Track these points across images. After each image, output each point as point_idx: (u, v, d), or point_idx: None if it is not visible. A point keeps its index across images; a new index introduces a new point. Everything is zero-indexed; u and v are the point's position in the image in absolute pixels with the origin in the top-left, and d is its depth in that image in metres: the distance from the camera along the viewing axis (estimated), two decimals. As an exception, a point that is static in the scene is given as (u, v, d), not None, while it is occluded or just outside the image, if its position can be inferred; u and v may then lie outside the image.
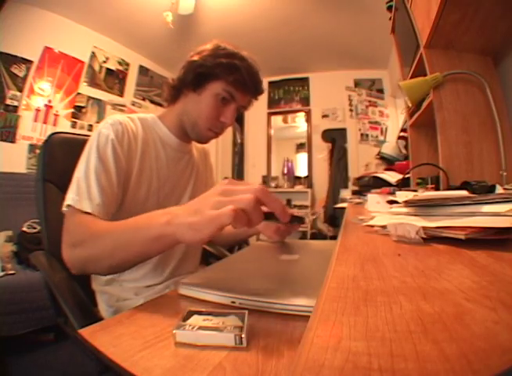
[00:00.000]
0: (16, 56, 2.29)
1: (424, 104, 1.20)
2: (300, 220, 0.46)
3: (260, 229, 0.82)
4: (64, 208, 0.55)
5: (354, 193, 1.79)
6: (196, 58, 0.67)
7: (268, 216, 0.39)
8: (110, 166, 0.60)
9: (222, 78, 0.66)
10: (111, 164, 0.60)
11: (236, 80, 0.66)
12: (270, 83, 4.05)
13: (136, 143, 0.67)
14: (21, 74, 2.33)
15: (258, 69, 0.70)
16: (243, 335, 0.30)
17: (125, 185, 0.64)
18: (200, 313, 0.35)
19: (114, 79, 3.10)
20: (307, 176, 3.92)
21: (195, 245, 0.42)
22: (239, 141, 4.31)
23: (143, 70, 3.43)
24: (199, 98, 0.68)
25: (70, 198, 0.55)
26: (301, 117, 4.15)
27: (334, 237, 0.68)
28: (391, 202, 0.68)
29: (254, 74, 0.68)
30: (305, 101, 3.98)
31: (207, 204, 0.37)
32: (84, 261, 0.50)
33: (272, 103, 4.08)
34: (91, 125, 2.83)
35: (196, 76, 0.67)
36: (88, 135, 0.68)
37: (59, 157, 0.76)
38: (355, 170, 3.51)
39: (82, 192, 0.55)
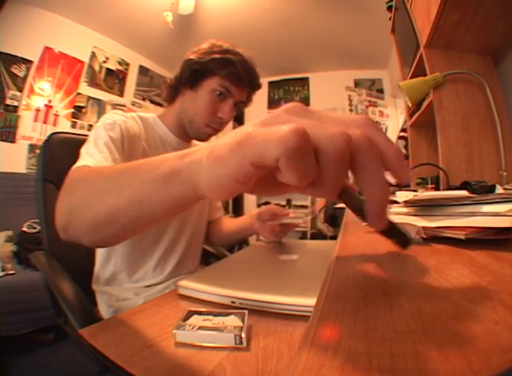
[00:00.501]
0: (16, 56, 2.29)
1: (424, 104, 1.20)
2: (402, 241, 0.28)
3: (256, 229, 0.82)
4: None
5: (354, 193, 1.79)
6: (191, 56, 0.68)
7: (355, 201, 0.22)
8: (118, 145, 0.58)
9: (217, 74, 0.66)
10: (119, 143, 0.58)
11: (230, 73, 0.66)
12: (270, 83, 4.04)
13: (139, 142, 0.66)
14: (21, 74, 2.33)
15: (254, 64, 0.70)
16: (243, 335, 0.30)
17: None
18: (200, 313, 0.35)
19: (114, 79, 3.10)
20: (307, 176, 3.91)
21: (212, 193, 0.22)
22: (239, 141, 4.30)
23: (143, 70, 3.43)
24: (196, 95, 0.68)
25: (77, 163, 0.49)
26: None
27: (334, 237, 0.68)
28: (391, 202, 0.68)
29: (248, 67, 0.68)
30: (305, 101, 3.98)
31: (248, 126, 0.21)
32: (68, 212, 0.38)
33: (272, 103, 4.08)
34: (91, 125, 2.82)
35: (191, 73, 0.67)
36: (88, 135, 0.68)
37: (59, 157, 0.76)
38: (355, 170, 3.51)
39: (90, 153, 0.52)
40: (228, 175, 0.20)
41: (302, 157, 0.16)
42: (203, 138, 0.74)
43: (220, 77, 0.66)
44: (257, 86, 0.73)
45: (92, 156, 0.51)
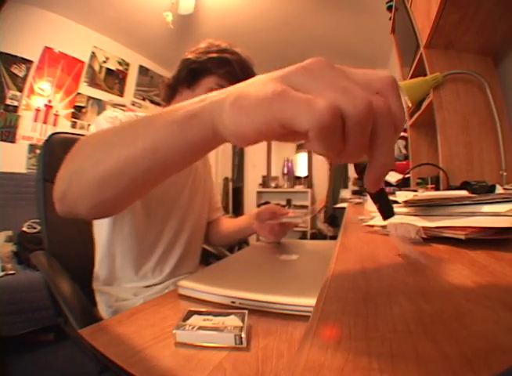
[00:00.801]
0: (16, 56, 2.29)
1: (424, 104, 1.20)
2: (384, 208, 0.31)
3: (255, 228, 0.82)
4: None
5: (354, 193, 1.79)
6: (189, 56, 0.69)
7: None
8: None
9: (214, 73, 0.67)
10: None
11: (227, 73, 0.66)
12: (270, 83, 4.04)
13: None
14: (21, 74, 2.33)
15: (251, 63, 0.70)
16: (243, 335, 0.30)
17: None
18: (200, 313, 0.35)
19: (114, 79, 3.10)
20: (307, 176, 3.92)
21: (234, 140, 0.22)
22: (239, 141, 4.31)
23: (143, 70, 3.43)
24: (193, 94, 0.68)
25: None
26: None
27: (334, 237, 0.68)
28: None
29: (245, 66, 0.68)
30: (305, 101, 3.98)
31: (282, 79, 0.20)
32: (69, 176, 0.34)
33: (272, 103, 4.08)
34: (91, 125, 2.83)
35: (189, 72, 0.68)
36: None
37: (59, 157, 0.74)
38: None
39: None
40: (254, 127, 0.20)
41: (332, 134, 0.17)
42: None
43: (217, 76, 0.67)
44: None
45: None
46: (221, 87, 0.68)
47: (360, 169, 0.24)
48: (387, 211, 0.30)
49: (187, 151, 0.25)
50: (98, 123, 0.61)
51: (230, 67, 0.66)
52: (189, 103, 0.25)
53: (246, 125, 0.20)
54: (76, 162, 0.34)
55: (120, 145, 0.28)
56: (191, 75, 0.68)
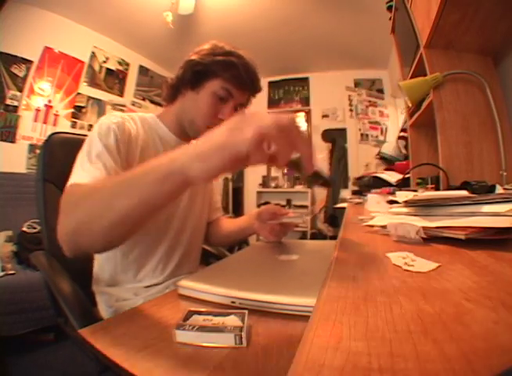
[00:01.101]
0: (16, 56, 2.29)
1: (424, 104, 1.20)
2: (325, 181, 0.43)
3: (255, 229, 0.82)
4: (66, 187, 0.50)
5: (354, 193, 1.79)
6: (193, 57, 0.68)
7: (295, 162, 0.34)
8: (114, 152, 0.58)
9: (219, 76, 0.66)
10: (114, 151, 0.59)
11: (232, 76, 0.66)
12: (270, 83, 4.04)
13: (137, 142, 0.67)
14: (21, 74, 2.33)
15: (256, 67, 0.70)
16: (243, 335, 0.30)
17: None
18: (200, 313, 0.35)
19: (114, 79, 3.10)
20: (307, 176, 3.91)
21: (203, 181, 0.33)
22: (239, 141, 4.31)
23: (143, 70, 3.43)
24: (197, 96, 0.68)
25: (72, 178, 0.51)
26: (301, 117, 4.14)
27: (334, 237, 0.68)
28: (391, 202, 0.68)
29: (250, 70, 0.68)
30: (305, 101, 3.98)
31: (220, 132, 0.31)
32: (75, 227, 0.41)
33: (272, 103, 4.08)
34: (91, 125, 2.82)
35: (193, 74, 0.67)
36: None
37: (59, 157, 0.76)
38: (354, 170, 3.51)
39: (85, 169, 0.53)
40: (213, 165, 0.31)
41: (260, 147, 0.30)
42: None
43: (222, 79, 0.66)
44: (258, 89, 0.73)
45: (86, 170, 0.52)
46: (226, 90, 0.69)
47: (292, 164, 0.35)
48: (327, 182, 0.44)
49: (168, 197, 0.37)
50: (92, 143, 0.58)
51: (236, 71, 0.66)
52: (165, 163, 0.34)
53: (210, 165, 0.31)
54: (79, 215, 0.41)
55: (120, 198, 0.37)
56: (195, 77, 0.67)
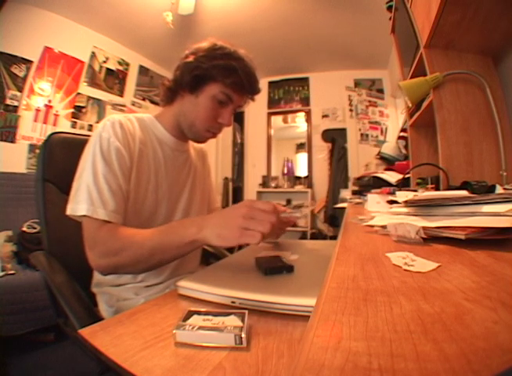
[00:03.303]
0: (16, 56, 2.29)
1: (424, 104, 1.20)
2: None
3: None
4: (79, 214, 0.56)
5: (354, 193, 1.79)
6: (191, 59, 0.66)
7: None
8: (116, 169, 0.60)
9: (219, 81, 0.65)
10: (116, 166, 0.60)
11: (232, 82, 0.65)
12: (270, 83, 4.04)
13: (134, 143, 0.67)
14: (21, 74, 2.33)
15: (255, 68, 0.69)
16: (243, 335, 0.30)
17: (129, 178, 0.65)
18: (199, 313, 0.35)
19: (114, 79, 3.10)
20: (307, 176, 3.91)
21: (220, 247, 0.53)
22: (239, 141, 4.31)
23: (143, 70, 3.43)
24: (196, 100, 0.67)
25: (85, 209, 0.55)
26: (301, 117, 4.14)
27: (334, 237, 0.68)
28: (391, 202, 0.68)
29: (250, 74, 0.68)
30: (305, 101, 3.98)
31: (235, 223, 0.46)
32: (120, 266, 0.55)
33: (272, 103, 4.08)
34: (91, 125, 2.83)
35: (192, 78, 0.66)
36: (88, 135, 0.68)
37: (58, 157, 0.76)
38: (355, 170, 3.51)
39: (95, 200, 0.56)
40: (232, 244, 0.47)
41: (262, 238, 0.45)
42: (202, 140, 0.75)
43: (222, 84, 0.65)
44: (257, 91, 0.73)
45: (104, 207, 0.57)
46: (226, 95, 0.69)
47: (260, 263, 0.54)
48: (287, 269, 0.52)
49: (193, 250, 0.55)
50: (96, 163, 0.59)
51: (236, 76, 0.65)
52: (191, 233, 0.51)
53: (229, 244, 0.47)
54: (125, 260, 0.54)
55: (159, 253, 0.53)
56: (194, 81, 0.66)
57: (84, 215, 0.55)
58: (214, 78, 0.65)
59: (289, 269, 0.50)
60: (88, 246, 0.56)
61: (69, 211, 0.57)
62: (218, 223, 0.48)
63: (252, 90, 0.70)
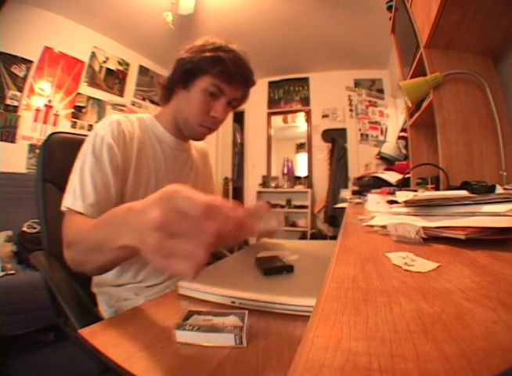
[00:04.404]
0: (16, 56, 2.29)
1: (424, 104, 1.20)
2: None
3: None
4: (63, 208, 0.56)
5: (354, 193, 1.79)
6: (183, 55, 0.67)
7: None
8: (106, 167, 0.60)
9: (208, 72, 0.65)
10: (107, 164, 0.60)
11: (220, 71, 0.64)
12: (270, 83, 4.04)
13: (132, 143, 0.66)
14: (21, 74, 2.33)
15: (247, 60, 0.68)
16: (243, 335, 0.30)
17: (123, 184, 0.64)
18: (199, 313, 0.35)
19: (114, 79, 3.10)
20: (307, 176, 3.92)
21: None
22: (239, 141, 4.31)
23: (143, 70, 3.43)
24: (188, 94, 0.67)
25: (67, 200, 0.56)
26: (301, 117, 4.15)
27: (334, 237, 0.68)
28: (391, 202, 0.68)
29: (240, 64, 0.66)
30: (305, 101, 3.98)
31: (147, 245, 0.27)
32: (78, 262, 0.49)
33: (272, 103, 4.08)
34: (91, 125, 2.83)
35: (183, 73, 0.66)
36: (88, 135, 0.68)
37: (58, 157, 0.76)
38: (355, 170, 3.51)
39: (77, 193, 0.56)
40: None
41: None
42: (198, 137, 0.74)
43: (211, 75, 0.65)
44: (251, 82, 0.71)
45: (83, 199, 0.56)
46: (216, 87, 0.68)
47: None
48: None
49: (124, 259, 0.42)
50: (86, 160, 0.60)
51: (223, 66, 0.64)
52: (123, 232, 0.33)
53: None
54: (73, 254, 0.50)
55: (94, 256, 0.43)
56: (185, 75, 0.67)
57: (67, 207, 0.55)
58: (204, 71, 0.65)
59: (289, 269, 0.49)
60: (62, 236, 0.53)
61: (62, 208, 0.57)
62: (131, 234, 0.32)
63: (243, 79, 0.68)
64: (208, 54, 0.64)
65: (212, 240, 0.25)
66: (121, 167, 0.63)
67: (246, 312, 0.34)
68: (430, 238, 0.37)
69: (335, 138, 3.71)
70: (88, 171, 0.58)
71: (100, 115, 2.93)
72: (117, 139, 0.63)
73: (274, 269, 0.49)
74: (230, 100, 0.69)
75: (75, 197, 0.56)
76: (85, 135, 0.68)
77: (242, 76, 0.67)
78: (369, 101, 3.73)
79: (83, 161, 0.59)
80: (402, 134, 2.07)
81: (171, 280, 0.71)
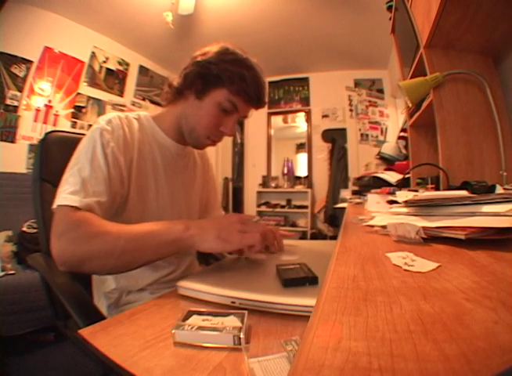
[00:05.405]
0: (16, 56, 2.29)
1: (424, 104, 1.20)
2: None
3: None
4: (54, 206, 0.52)
5: (354, 193, 1.79)
6: (200, 59, 0.63)
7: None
8: (101, 162, 0.57)
9: (226, 87, 0.62)
10: (101, 160, 0.57)
11: (241, 90, 0.62)
12: (270, 83, 4.04)
13: (133, 142, 0.65)
14: (21, 74, 2.33)
15: (265, 81, 0.66)
16: (241, 336, 0.30)
17: (127, 183, 0.63)
18: (199, 313, 0.35)
19: (114, 79, 3.10)
20: (307, 176, 3.92)
21: (209, 252, 0.51)
22: (239, 141, 4.31)
23: (143, 70, 3.43)
24: (200, 104, 0.64)
25: (63, 198, 0.52)
26: (301, 117, 4.15)
27: (334, 237, 0.68)
28: (391, 202, 0.68)
29: (260, 85, 0.64)
30: (305, 101, 3.98)
31: (233, 227, 0.49)
32: (87, 258, 0.47)
33: (272, 103, 4.08)
34: (91, 125, 2.79)
35: (199, 80, 0.63)
36: (85, 134, 0.67)
37: (55, 156, 0.74)
38: (355, 170, 3.51)
39: (76, 189, 0.53)
40: (233, 248, 0.50)
41: (261, 245, 0.50)
42: (201, 147, 0.72)
43: (229, 91, 0.62)
44: (263, 104, 0.69)
45: (85, 193, 0.53)
46: (232, 103, 0.66)
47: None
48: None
49: (171, 255, 0.54)
50: (82, 154, 0.58)
51: (244, 85, 0.62)
52: (177, 229, 0.49)
53: (230, 247, 0.49)
54: (95, 249, 0.48)
55: (134, 251, 0.49)
56: (202, 83, 0.63)
57: (61, 205, 0.51)
58: (221, 83, 0.62)
59: (312, 280, 0.42)
60: (56, 233, 0.48)
61: (53, 206, 0.54)
62: (213, 226, 0.49)
63: (259, 102, 0.67)
64: (230, 67, 0.61)
65: (264, 231, 0.50)
66: (122, 163, 0.61)
67: (246, 312, 0.34)
68: (430, 238, 0.37)
69: (335, 138, 3.71)
70: (87, 167, 0.55)
71: (100, 115, 2.92)
72: (116, 136, 0.61)
73: (294, 280, 0.42)
74: (240, 118, 0.68)
75: (74, 192, 0.52)
76: (82, 134, 0.67)
77: (259, 97, 0.66)
78: (369, 101, 3.73)
79: (78, 157, 0.57)
80: (402, 134, 2.07)
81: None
